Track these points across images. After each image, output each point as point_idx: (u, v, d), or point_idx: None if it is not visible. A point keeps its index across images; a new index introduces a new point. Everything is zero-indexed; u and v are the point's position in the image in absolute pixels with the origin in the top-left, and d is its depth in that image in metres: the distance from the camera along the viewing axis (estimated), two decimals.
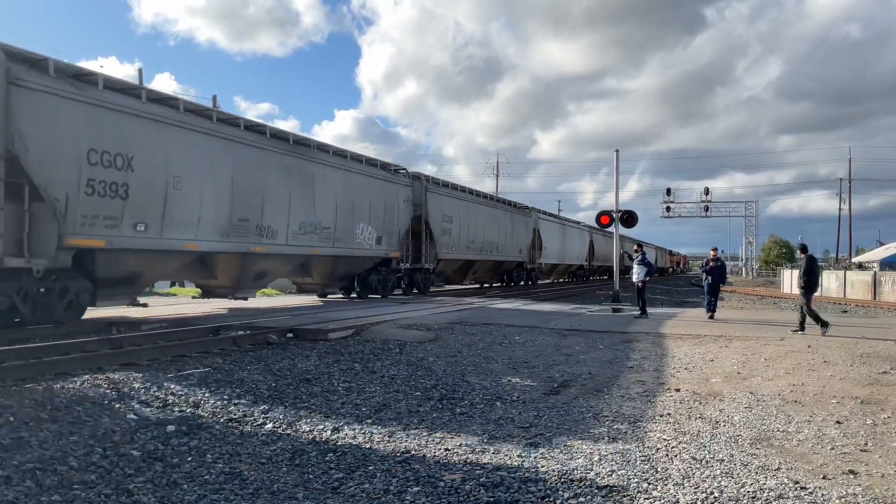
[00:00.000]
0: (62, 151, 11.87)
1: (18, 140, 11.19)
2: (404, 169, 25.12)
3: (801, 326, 14.68)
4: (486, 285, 36.83)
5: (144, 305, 15.47)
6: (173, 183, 14.09)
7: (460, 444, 6.05)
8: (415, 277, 26.13)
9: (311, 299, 23.11)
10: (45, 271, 11.82)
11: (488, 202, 33.16)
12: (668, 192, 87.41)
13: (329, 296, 23.63)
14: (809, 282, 14.77)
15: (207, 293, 18.20)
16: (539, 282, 42.73)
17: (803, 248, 16.11)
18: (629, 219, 24.84)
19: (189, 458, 5.52)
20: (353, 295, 23.51)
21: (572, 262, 49.69)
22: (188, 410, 6.98)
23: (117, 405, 6.96)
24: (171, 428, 6.30)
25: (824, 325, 14.48)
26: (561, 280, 51.07)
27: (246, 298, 18.39)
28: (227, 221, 15.73)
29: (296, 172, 18.22)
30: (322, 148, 19.95)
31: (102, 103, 12.64)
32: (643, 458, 5.67)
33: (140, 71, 15.02)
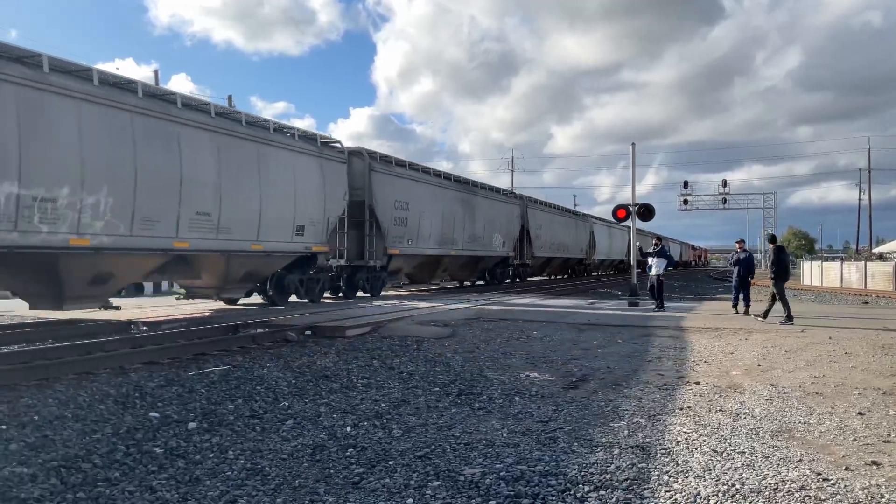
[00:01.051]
0: (386, 203, 22.27)
1: (373, 199, 21.55)
2: (514, 192, 36.79)
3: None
4: (551, 277, 46.16)
5: (405, 285, 28.74)
6: (421, 215, 24.41)
7: (479, 439, 6.06)
8: (518, 270, 36.26)
9: (451, 286, 32.21)
10: (378, 267, 22.34)
11: (562, 212, 43.15)
12: (686, 184, 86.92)
13: (464, 283, 33.17)
14: (779, 271, 15.39)
15: (412, 280, 28.18)
16: (592, 274, 53.41)
17: (772, 239, 16.30)
18: (646, 212, 24.68)
19: (211, 455, 5.56)
20: (481, 282, 33.48)
21: (615, 258, 58.12)
22: (209, 407, 7.04)
23: (139, 403, 7.03)
24: (192, 425, 6.36)
25: (789, 317, 14.95)
26: (605, 273, 59.51)
27: (438, 284, 31.10)
28: (440, 236, 26.12)
29: (467, 203, 28.63)
30: (475, 184, 30.61)
31: (397, 174, 23.31)
32: (663, 451, 5.65)
33: (156, 72, 15.31)
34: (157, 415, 6.64)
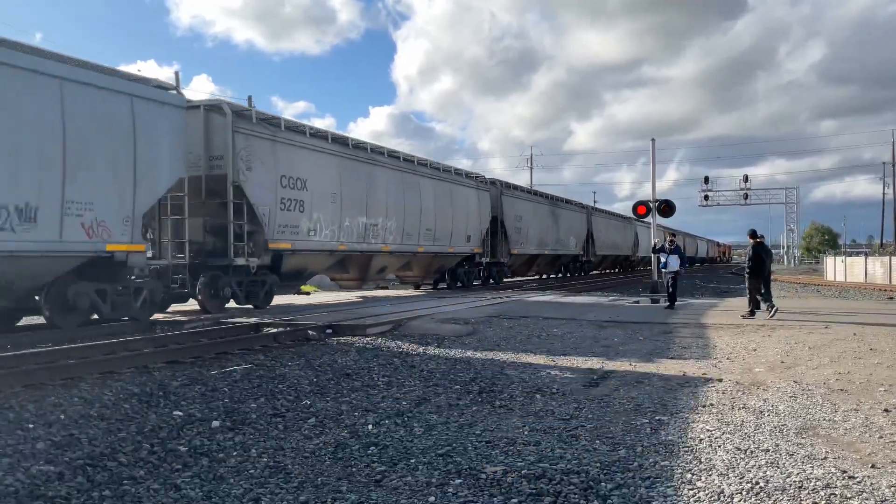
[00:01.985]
0: (510, 217, 30.59)
1: (503, 215, 29.96)
2: (581, 203, 45.01)
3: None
4: (604, 271, 54.52)
5: (513, 276, 35.31)
6: (528, 225, 32.79)
7: (501, 437, 6.06)
8: (584, 265, 45.21)
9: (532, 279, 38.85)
10: (505, 263, 31.62)
11: (615, 217, 52.03)
12: (707, 180, 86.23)
13: (542, 276, 41.15)
14: (754, 266, 15.69)
15: (513, 273, 34.70)
16: (637, 268, 61.47)
17: (752, 234, 16.19)
18: (666, 208, 24.51)
19: (234, 453, 5.61)
20: (560, 275, 42.61)
21: None
22: (232, 406, 7.09)
23: (163, 402, 7.10)
24: (215, 424, 6.41)
25: (752, 312, 15.43)
26: (645, 268, 66.47)
27: (533, 276, 39.04)
28: (538, 240, 34.16)
29: (553, 214, 36.94)
30: (559, 199, 39.39)
31: (515, 196, 32.15)
32: (686, 448, 5.62)
33: (177, 74, 15.25)
34: (180, 413, 6.70)
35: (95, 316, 12.76)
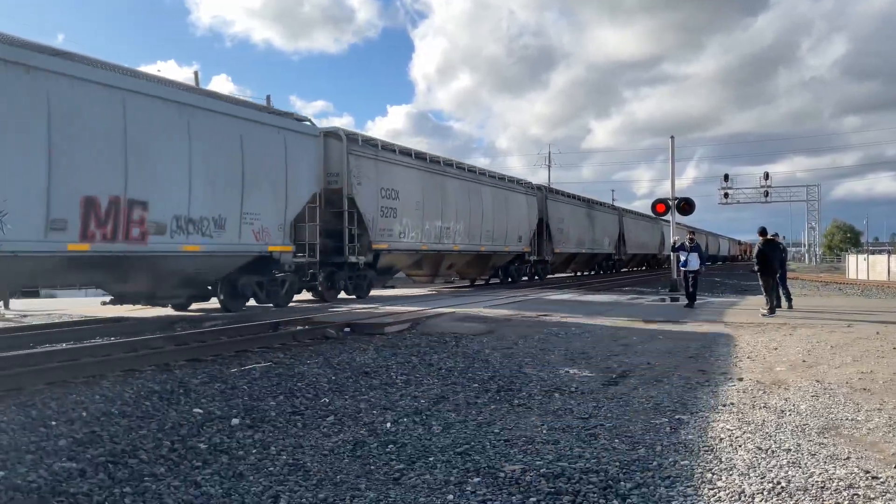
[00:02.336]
0: (553, 219, 33.88)
1: (548, 217, 33.29)
2: (613, 205, 50.40)
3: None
4: (633, 269, 56.95)
5: (553, 273, 38.05)
6: (568, 226, 35.50)
7: (519, 436, 6.05)
8: (616, 263, 48.53)
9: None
10: (548, 260, 34.03)
11: (642, 217, 54.74)
12: (726, 177, 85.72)
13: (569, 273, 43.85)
14: (759, 264, 15.98)
15: (553, 270, 37.46)
16: (662, 266, 61.91)
17: (762, 232, 16.16)
18: (686, 206, 24.33)
19: (254, 451, 5.63)
20: (594, 272, 45.60)
21: None
22: (251, 404, 7.13)
23: (183, 399, 7.15)
24: (235, 421, 6.44)
25: (772, 310, 15.45)
26: (670, 266, 66.43)
27: (571, 273, 42.86)
28: (576, 240, 36.94)
29: (590, 216, 39.81)
30: (594, 202, 42.59)
31: (558, 200, 35.67)
32: (706, 448, 5.57)
33: (196, 74, 15.42)
34: (200, 411, 6.75)
35: (253, 301, 16.06)
